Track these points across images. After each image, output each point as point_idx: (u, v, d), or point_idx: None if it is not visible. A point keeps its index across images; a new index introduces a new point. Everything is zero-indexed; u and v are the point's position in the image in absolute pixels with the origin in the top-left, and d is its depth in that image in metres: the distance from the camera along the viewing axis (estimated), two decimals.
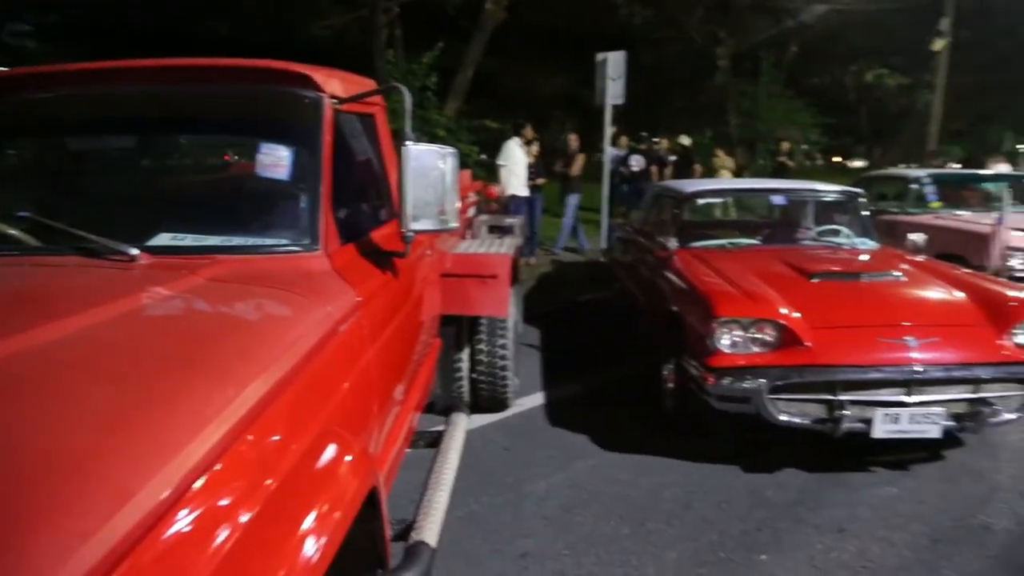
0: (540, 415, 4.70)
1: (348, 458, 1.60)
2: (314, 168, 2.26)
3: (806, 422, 3.66)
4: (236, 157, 2.91)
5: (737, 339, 3.68)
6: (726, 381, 3.62)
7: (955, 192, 8.98)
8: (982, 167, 13.74)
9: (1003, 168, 13.21)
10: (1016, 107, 33.80)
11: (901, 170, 10.31)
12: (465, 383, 4.40)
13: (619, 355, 5.93)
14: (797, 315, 3.74)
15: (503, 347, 4.37)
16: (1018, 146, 27.02)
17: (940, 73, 18.31)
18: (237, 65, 2.38)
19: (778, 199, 5.54)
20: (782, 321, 3.68)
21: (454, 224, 2.54)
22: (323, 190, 2.23)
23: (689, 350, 3.94)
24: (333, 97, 2.41)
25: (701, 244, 5.20)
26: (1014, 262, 6.51)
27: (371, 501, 1.64)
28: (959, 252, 6.75)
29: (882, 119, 30.68)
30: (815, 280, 4.21)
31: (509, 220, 5.40)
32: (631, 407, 4.83)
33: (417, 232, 2.38)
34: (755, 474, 3.84)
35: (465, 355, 4.36)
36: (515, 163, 8.93)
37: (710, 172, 14.48)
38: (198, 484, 1.16)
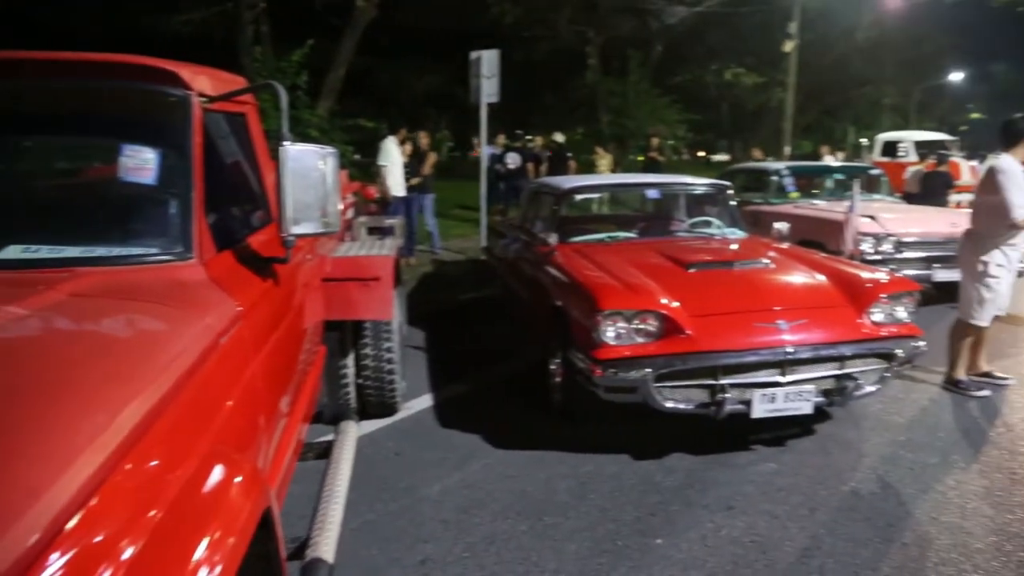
0: (430, 417, 4.65)
1: (238, 479, 1.51)
2: (184, 171, 2.12)
3: (690, 407, 3.79)
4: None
5: (621, 331, 3.76)
6: (613, 372, 3.68)
7: (810, 182, 9.62)
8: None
9: (830, 159, 14.42)
10: (856, 104, 36.68)
11: (762, 163, 10.92)
12: (352, 389, 4.28)
13: (505, 352, 5.95)
14: (677, 304, 3.86)
15: (389, 350, 4.29)
16: (861, 140, 29.22)
17: (791, 72, 19.54)
18: (97, 60, 2.20)
19: (653, 193, 5.72)
20: (663, 311, 3.79)
21: (336, 227, 2.46)
22: (195, 194, 2.09)
23: (575, 343, 3.99)
24: (202, 95, 2.27)
25: (581, 239, 5.28)
26: (865, 246, 7.01)
27: (265, 522, 1.55)
28: (817, 239, 7.21)
29: (741, 115, 32.40)
30: (692, 270, 4.37)
31: (389, 221, 5.31)
32: (520, 403, 4.86)
33: (298, 236, 2.29)
34: (645, 461, 3.94)
35: (350, 360, 4.25)
36: (393, 162, 8.81)
37: (585, 168, 14.82)
38: (71, 524, 1.05)
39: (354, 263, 3.98)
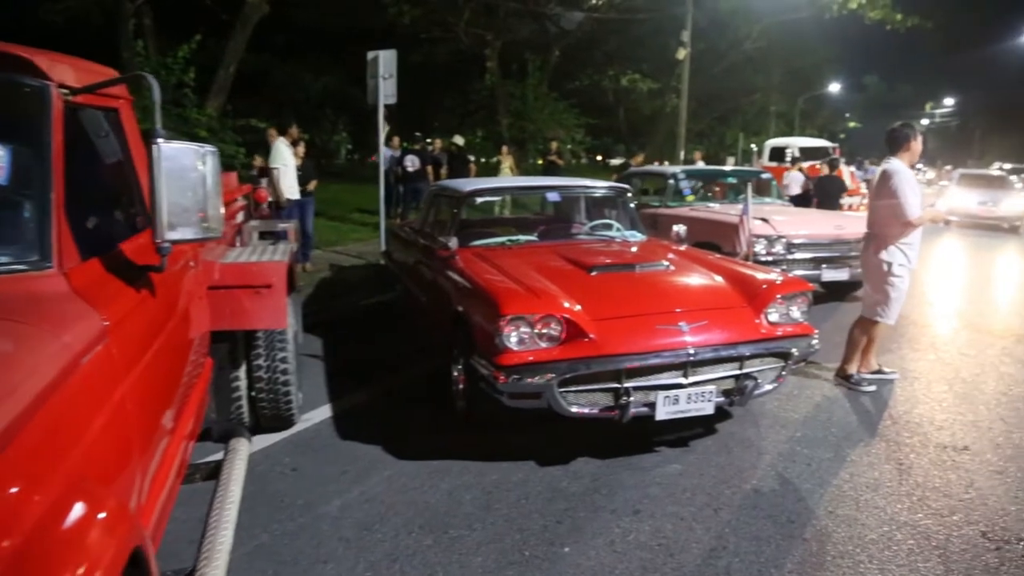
0: (329, 429, 4.45)
1: (101, 515, 1.34)
2: (41, 170, 1.90)
3: (595, 411, 3.76)
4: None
5: (524, 336, 3.70)
6: (516, 378, 3.61)
7: (704, 186, 9.89)
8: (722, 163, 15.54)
9: (701, 164, 15.10)
10: (745, 111, 38.27)
11: (659, 167, 11.18)
12: (244, 403, 4.07)
13: (406, 359, 5.82)
14: (579, 308, 3.83)
15: (284, 361, 4.10)
16: (752, 145, 30.47)
17: (684, 79, 20.11)
18: None
19: (553, 196, 5.69)
20: (566, 315, 3.74)
21: (218, 232, 2.28)
22: (53, 196, 1.88)
23: (477, 350, 3.90)
24: (63, 86, 2.05)
25: (482, 243, 5.20)
26: (758, 248, 7.24)
27: (135, 561, 1.39)
28: (713, 240, 7.40)
29: (638, 120, 33.15)
30: (594, 273, 4.35)
31: (282, 225, 5.08)
32: (422, 411, 4.73)
33: (174, 242, 2.10)
34: (550, 467, 3.89)
35: (242, 372, 4.04)
36: (286, 164, 8.46)
37: (485, 171, 14.79)
38: None
39: (244, 270, 3.79)
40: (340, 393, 5.05)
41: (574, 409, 3.72)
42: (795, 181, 12.44)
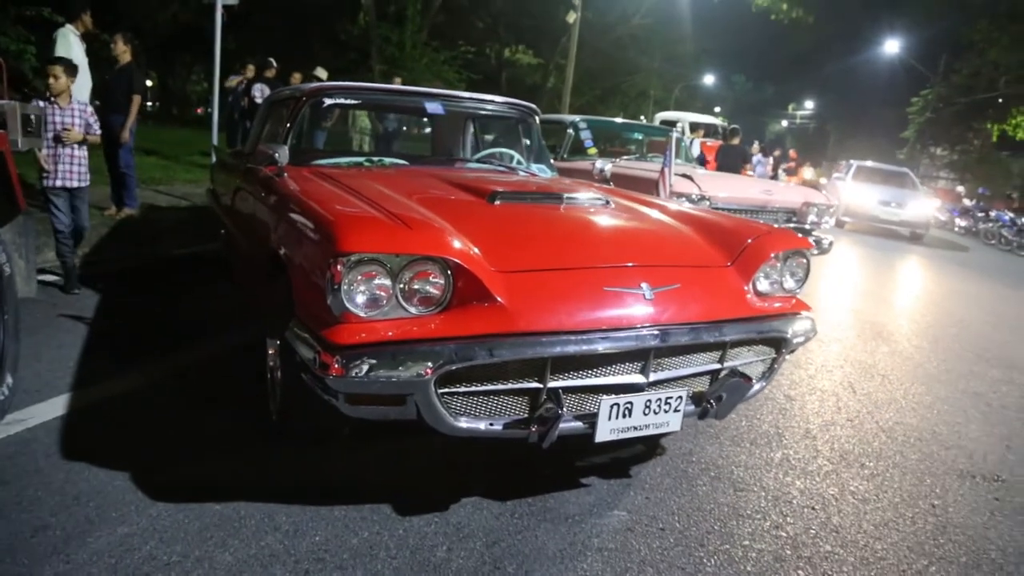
0: (50, 439, 2.66)
1: None
2: None
3: (498, 428, 2.19)
4: None
5: (380, 292, 2.06)
6: (362, 369, 1.98)
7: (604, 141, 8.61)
8: None
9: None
10: (625, 91, 38.00)
11: (557, 115, 9.68)
12: None
13: (212, 328, 4.07)
14: (477, 252, 2.25)
15: None
16: (641, 116, 29.92)
17: (572, 43, 18.74)
18: None
19: (434, 107, 4.05)
20: (455, 259, 2.14)
21: None
22: None
23: (300, 316, 2.25)
24: None
25: (327, 161, 3.53)
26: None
27: None
28: None
29: (520, 91, 32.03)
30: (497, 203, 2.79)
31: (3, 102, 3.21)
32: (218, 410, 3.03)
33: None
34: (417, 517, 2.31)
35: None
36: (76, 60, 6.25)
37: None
38: None
39: None
40: (95, 376, 3.26)
41: (463, 424, 2.15)
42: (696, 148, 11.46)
